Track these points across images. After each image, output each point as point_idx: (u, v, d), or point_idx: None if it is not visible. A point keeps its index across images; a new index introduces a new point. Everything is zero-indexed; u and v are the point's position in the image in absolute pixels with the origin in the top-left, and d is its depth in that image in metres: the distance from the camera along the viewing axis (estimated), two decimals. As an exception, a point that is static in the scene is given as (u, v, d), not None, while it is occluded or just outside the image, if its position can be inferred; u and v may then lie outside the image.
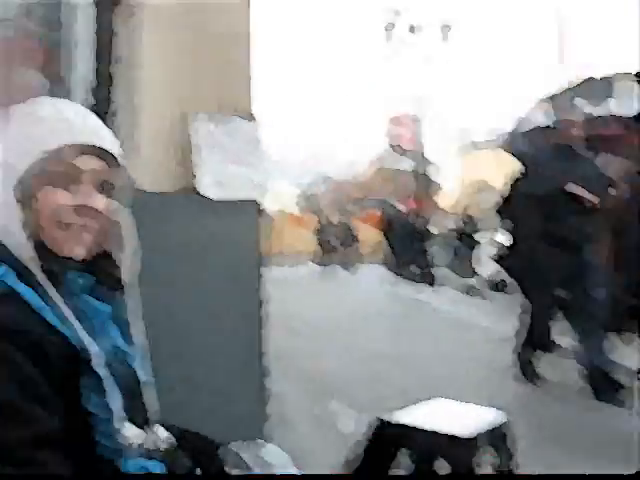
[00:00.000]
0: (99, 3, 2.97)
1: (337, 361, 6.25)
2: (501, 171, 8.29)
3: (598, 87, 8.34)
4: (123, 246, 1.38)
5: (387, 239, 16.82)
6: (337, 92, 59.15)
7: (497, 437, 2.36)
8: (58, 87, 2.92)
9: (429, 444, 2.29)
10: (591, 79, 8.88)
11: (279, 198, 23.91)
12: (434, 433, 2.26)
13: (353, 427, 4.11)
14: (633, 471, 2.99)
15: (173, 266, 2.82)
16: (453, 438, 2.21)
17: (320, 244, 18.82)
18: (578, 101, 8.21)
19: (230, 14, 3.16)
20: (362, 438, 2.39)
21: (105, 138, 1.33)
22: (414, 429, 2.30)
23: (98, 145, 1.30)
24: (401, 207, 18.48)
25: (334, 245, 18.42)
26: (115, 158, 1.34)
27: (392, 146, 25.31)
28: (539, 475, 3.17)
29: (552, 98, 9.17)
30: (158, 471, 1.31)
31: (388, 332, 7.98)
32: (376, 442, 2.34)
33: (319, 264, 18.10)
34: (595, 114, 7.73)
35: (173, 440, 1.40)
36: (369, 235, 18.86)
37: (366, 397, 4.78)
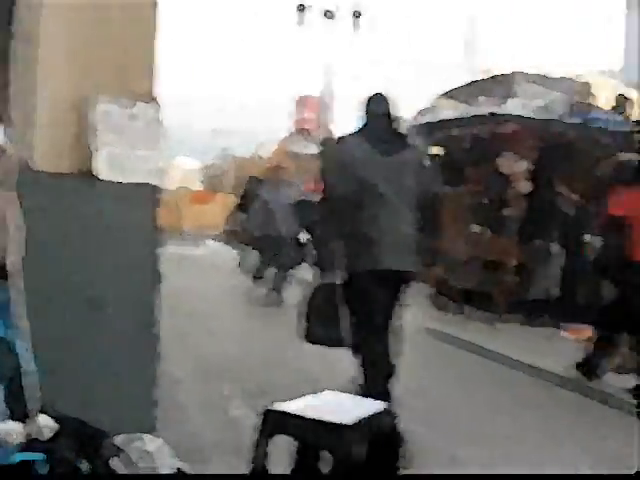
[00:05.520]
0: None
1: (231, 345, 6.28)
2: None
3: (499, 86, 8.52)
4: (8, 233, 1.35)
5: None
6: (244, 69, 58.65)
7: (382, 427, 2.44)
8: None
9: (308, 431, 2.34)
10: (494, 77, 9.08)
11: (182, 175, 23.55)
12: (314, 421, 2.31)
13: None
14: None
15: (64, 247, 2.76)
16: (332, 425, 2.27)
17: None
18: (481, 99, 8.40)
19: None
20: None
21: None
22: (296, 417, 2.34)
23: None
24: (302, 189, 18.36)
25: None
26: None
27: (297, 129, 24.99)
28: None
29: (454, 94, 9.37)
30: (38, 462, 1.29)
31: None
32: (263, 430, 2.37)
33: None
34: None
35: (56, 427, 1.38)
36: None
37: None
